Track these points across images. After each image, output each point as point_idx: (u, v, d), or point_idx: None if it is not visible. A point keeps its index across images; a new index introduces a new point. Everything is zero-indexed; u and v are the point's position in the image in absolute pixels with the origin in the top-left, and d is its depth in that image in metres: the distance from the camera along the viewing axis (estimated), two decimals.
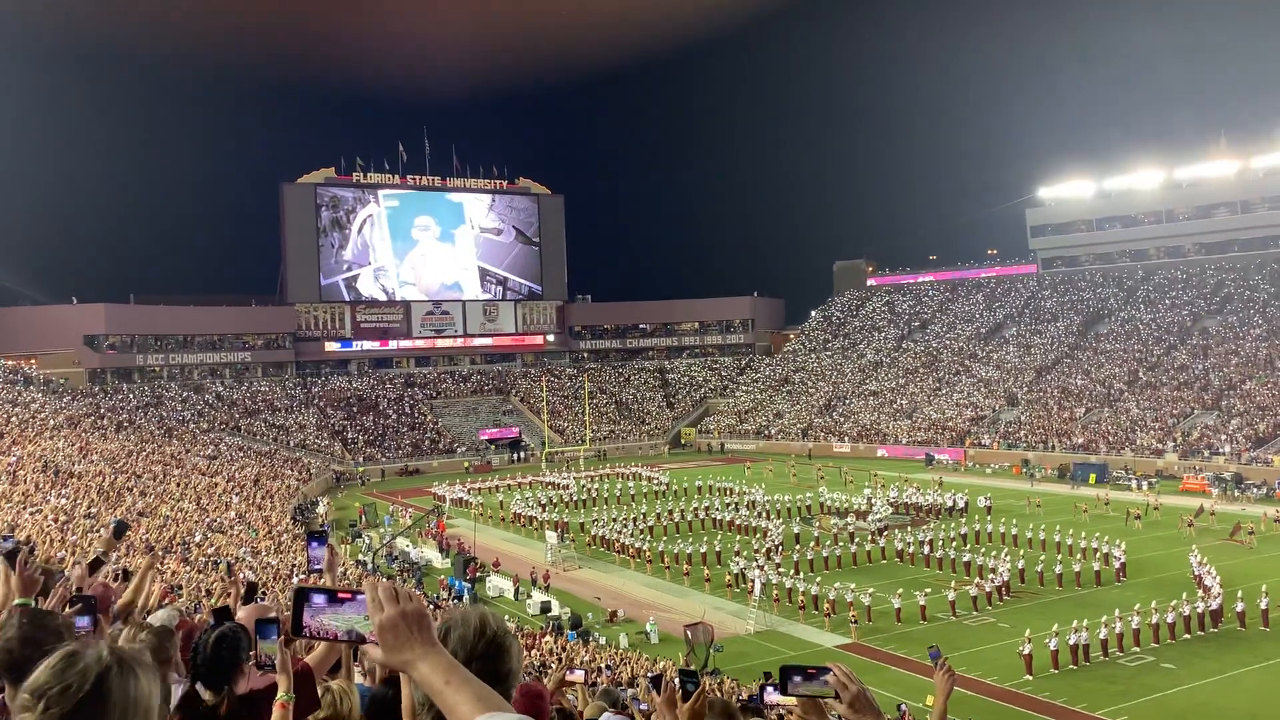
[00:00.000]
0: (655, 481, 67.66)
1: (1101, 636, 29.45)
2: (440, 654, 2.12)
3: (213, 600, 17.96)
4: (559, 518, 53.73)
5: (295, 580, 32.53)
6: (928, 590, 35.17)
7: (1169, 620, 30.64)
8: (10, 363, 72.53)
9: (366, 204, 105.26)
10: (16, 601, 4.41)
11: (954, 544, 43.07)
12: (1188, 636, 30.74)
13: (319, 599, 2.21)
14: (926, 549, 42.08)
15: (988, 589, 35.71)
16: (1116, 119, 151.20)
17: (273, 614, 4.82)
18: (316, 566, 4.94)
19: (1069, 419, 76.63)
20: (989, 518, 48.82)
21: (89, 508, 38.70)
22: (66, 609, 5.02)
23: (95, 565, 6.13)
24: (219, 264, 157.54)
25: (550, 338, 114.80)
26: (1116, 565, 38.82)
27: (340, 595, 2.22)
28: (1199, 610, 31.44)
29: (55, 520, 34.16)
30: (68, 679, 2.11)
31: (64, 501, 38.41)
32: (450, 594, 39.72)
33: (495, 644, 2.55)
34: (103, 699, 2.11)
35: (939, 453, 78.06)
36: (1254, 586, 33.07)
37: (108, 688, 2.12)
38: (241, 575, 30.11)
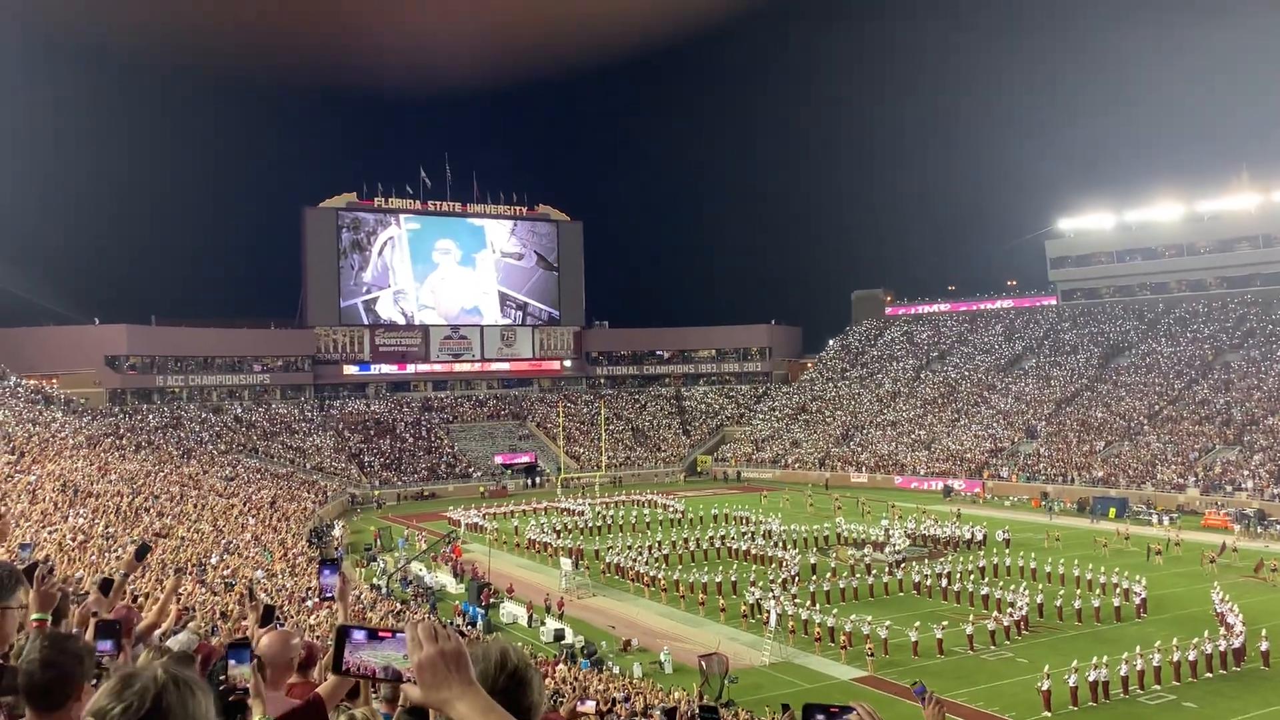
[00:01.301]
0: (671, 509, 67.46)
1: (1122, 673, 29.10)
2: (478, 693, 2.13)
3: (229, 623, 17.96)
4: (574, 544, 53.57)
5: (310, 604, 32.51)
6: (945, 623, 34.85)
7: (1190, 658, 30.26)
8: (32, 382, 73.10)
9: (388, 226, 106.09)
10: (34, 616, 4.43)
11: (972, 577, 42.70)
12: (1209, 675, 30.33)
13: (359, 636, 2.26)
14: (944, 582, 41.72)
15: (1006, 623, 35.37)
16: (1137, 151, 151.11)
17: (295, 639, 4.82)
18: (328, 594, 4.94)
19: (1089, 452, 76.06)
20: (1007, 551, 48.40)
21: (106, 527, 38.84)
22: (88, 630, 5.04)
23: (105, 586, 6.12)
24: (239, 287, 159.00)
25: (567, 363, 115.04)
26: (1137, 601, 38.38)
27: (380, 633, 2.27)
28: (1221, 648, 31.02)
29: (74, 539, 34.30)
30: (126, 699, 2.19)
31: (82, 521, 38.57)
32: (464, 619, 39.61)
33: (517, 677, 2.57)
34: (163, 716, 2.19)
35: (957, 484, 77.57)
36: (1277, 625, 32.63)
37: (167, 704, 2.20)
38: (260, 598, 30.13)
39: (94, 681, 4.01)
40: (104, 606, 5.79)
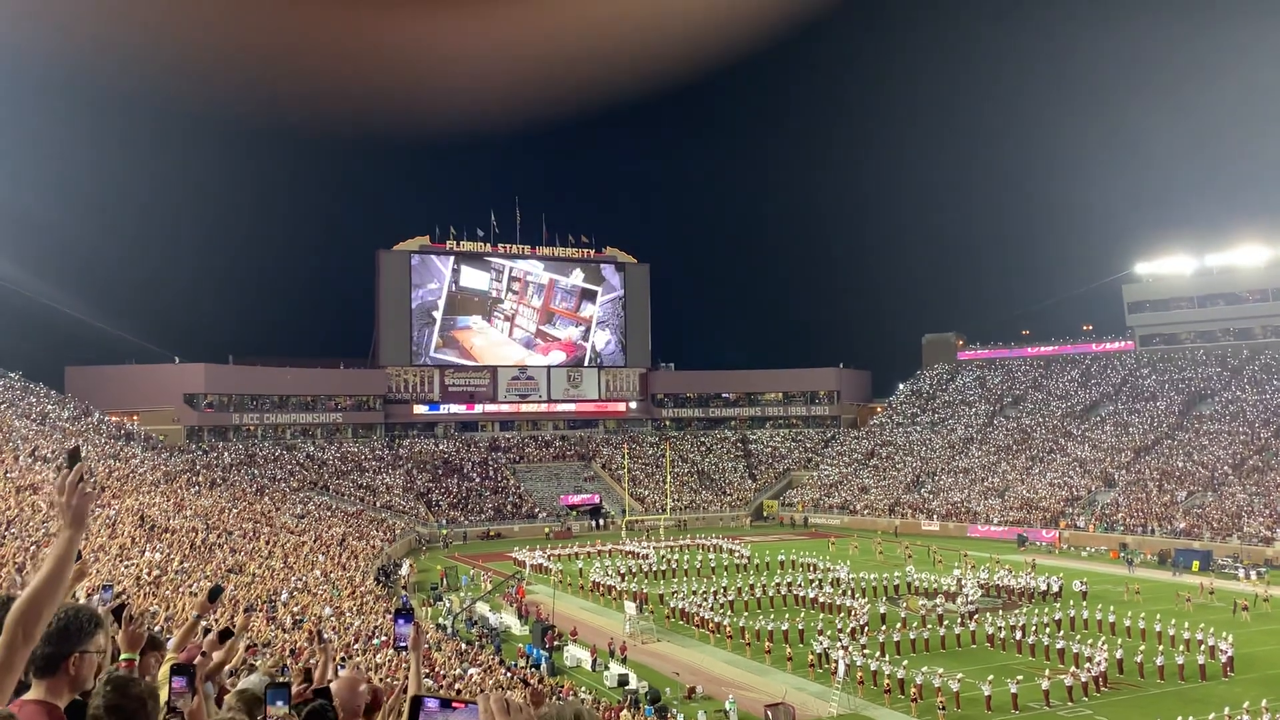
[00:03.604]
0: (736, 554, 66.77)
1: None
2: None
3: (299, 662, 18.14)
4: (638, 588, 53.26)
5: (375, 642, 32.74)
6: (1020, 678, 33.84)
7: None
8: (114, 419, 75.35)
9: (459, 267, 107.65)
10: (123, 656, 4.52)
11: (1048, 630, 41.46)
12: None
13: (432, 705, 2.27)
14: (1019, 634, 40.61)
15: (1084, 679, 34.21)
16: (1219, 193, 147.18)
17: (362, 684, 4.80)
18: (402, 644, 4.99)
19: (1170, 502, 73.70)
20: (1085, 603, 46.97)
21: (181, 562, 39.65)
22: (160, 669, 5.09)
23: (225, 635, 6.24)
24: (314, 328, 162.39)
25: (633, 405, 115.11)
26: (1223, 659, 36.86)
27: (454, 703, 2.27)
28: None
29: (149, 574, 35.05)
30: None
31: (158, 556, 39.43)
32: (528, 662, 39.49)
33: None
34: None
35: (1032, 534, 75.63)
36: None
37: None
38: (329, 644, 30.46)
39: (172, 717, 4.06)
40: (215, 650, 5.91)
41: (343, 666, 9.27)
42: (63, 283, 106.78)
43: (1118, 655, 36.95)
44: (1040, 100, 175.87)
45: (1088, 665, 35.37)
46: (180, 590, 33.42)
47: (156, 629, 20.22)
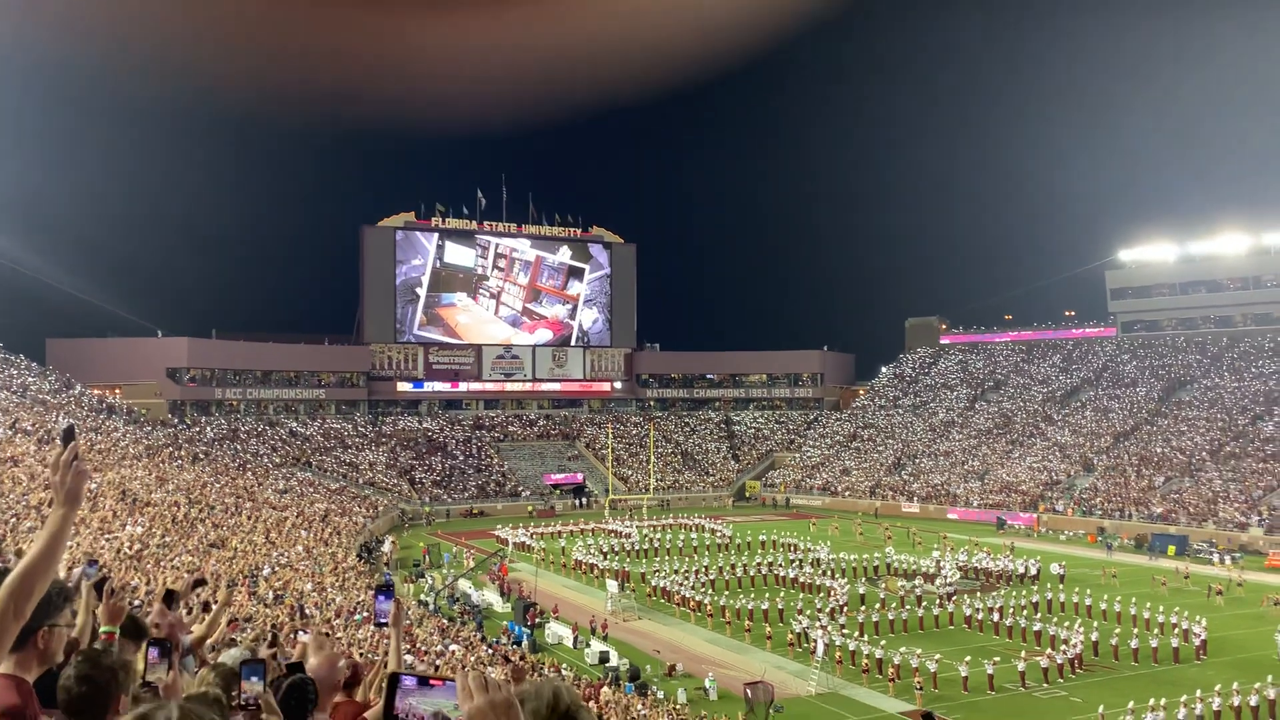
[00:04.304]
0: (718, 534, 67.08)
1: (1180, 717, 28.25)
2: None
3: (280, 636, 18.18)
4: (620, 566, 53.48)
5: (357, 618, 32.80)
6: (996, 659, 34.19)
7: (1252, 703, 29.36)
8: (97, 392, 74.88)
9: (444, 244, 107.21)
10: (103, 629, 4.53)
11: (1025, 612, 41.85)
12: None
13: (409, 682, 2.30)
14: (996, 616, 40.98)
15: (1059, 661, 34.59)
16: (1202, 182, 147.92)
17: (341, 660, 4.85)
18: (382, 620, 5.02)
19: (1147, 488, 74.35)
20: (1062, 586, 47.40)
21: (163, 537, 39.55)
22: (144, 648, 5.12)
23: (169, 598, 6.20)
24: (299, 303, 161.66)
25: (617, 385, 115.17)
26: (1196, 642, 37.35)
27: (431, 680, 2.30)
28: None
29: (131, 548, 34.96)
30: None
31: (139, 530, 39.31)
32: (509, 639, 39.66)
33: (568, 718, 2.56)
34: None
35: (1011, 517, 76.22)
36: None
37: None
38: (310, 619, 30.43)
39: (145, 690, 4.09)
40: (164, 619, 5.89)
41: (304, 632, 9.30)
42: (45, 254, 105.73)
43: (1093, 638, 37.36)
44: (1025, 89, 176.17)
45: (1064, 647, 35.76)
46: (161, 564, 33.36)
47: (136, 604, 20.21)
